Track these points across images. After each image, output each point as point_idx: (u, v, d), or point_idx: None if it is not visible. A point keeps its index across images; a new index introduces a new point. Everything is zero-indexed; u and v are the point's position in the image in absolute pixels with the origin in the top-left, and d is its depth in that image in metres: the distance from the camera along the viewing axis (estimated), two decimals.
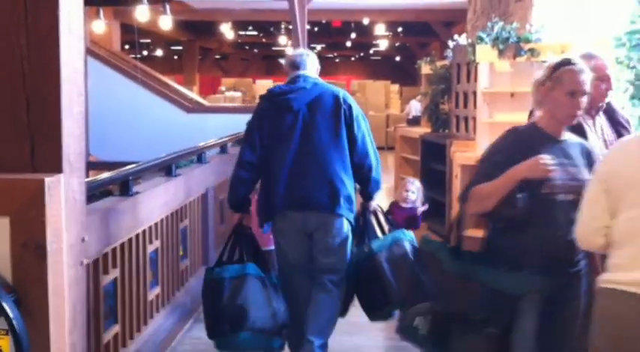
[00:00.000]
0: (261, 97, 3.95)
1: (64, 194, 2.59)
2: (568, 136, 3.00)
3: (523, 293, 2.89)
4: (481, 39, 5.94)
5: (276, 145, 3.73)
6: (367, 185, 3.88)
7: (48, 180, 2.47)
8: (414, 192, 5.16)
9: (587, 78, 2.90)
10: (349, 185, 3.76)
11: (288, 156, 3.69)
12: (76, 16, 2.82)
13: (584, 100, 2.89)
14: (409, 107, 16.60)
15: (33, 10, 2.66)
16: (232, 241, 3.79)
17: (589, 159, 2.99)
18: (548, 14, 6.50)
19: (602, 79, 3.62)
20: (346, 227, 3.76)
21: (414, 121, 11.73)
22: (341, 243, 3.76)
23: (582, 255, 2.94)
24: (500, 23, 5.85)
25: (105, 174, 3.72)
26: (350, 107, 3.76)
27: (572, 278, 2.96)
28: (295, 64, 3.88)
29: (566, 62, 2.93)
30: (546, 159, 2.78)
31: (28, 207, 2.47)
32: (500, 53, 5.77)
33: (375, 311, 3.89)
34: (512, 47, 5.71)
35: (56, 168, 2.62)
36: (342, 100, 3.76)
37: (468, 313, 2.90)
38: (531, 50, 5.63)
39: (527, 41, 5.68)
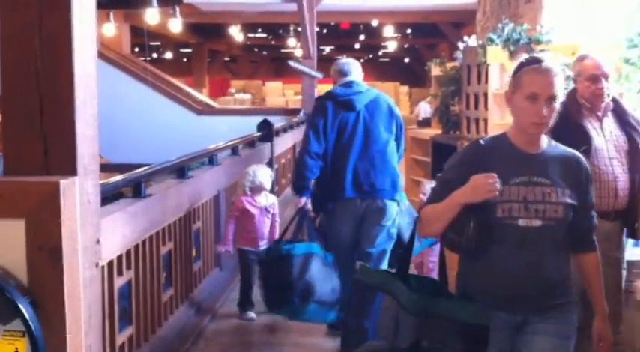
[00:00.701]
0: (323, 98, 4.51)
1: (78, 196, 2.60)
2: (547, 148, 2.52)
3: (485, 323, 2.42)
4: (491, 40, 5.92)
5: (342, 139, 4.28)
6: None
7: (63, 182, 2.49)
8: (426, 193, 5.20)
9: (554, 80, 2.42)
10: (400, 176, 4.43)
11: (354, 149, 4.26)
12: (88, 18, 2.83)
13: (554, 106, 2.43)
14: (418, 108, 16.63)
15: (46, 12, 2.68)
16: (297, 222, 4.30)
17: (576, 175, 2.52)
18: (559, 15, 6.47)
19: (590, 79, 3.53)
20: (397, 211, 4.35)
21: (424, 123, 11.72)
22: (392, 224, 4.32)
23: (561, 289, 2.50)
24: (511, 25, 5.82)
25: (118, 177, 3.73)
26: (399, 115, 4.49)
27: (547, 312, 2.47)
28: (344, 72, 4.50)
29: (530, 61, 2.51)
30: (490, 177, 2.33)
31: (43, 210, 2.48)
32: (511, 55, 5.74)
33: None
34: (523, 49, 5.67)
35: (70, 170, 2.63)
36: (393, 107, 4.48)
37: (434, 348, 2.51)
38: (542, 52, 5.60)
39: (538, 42, 5.65)
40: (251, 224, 4.93)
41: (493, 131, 6.09)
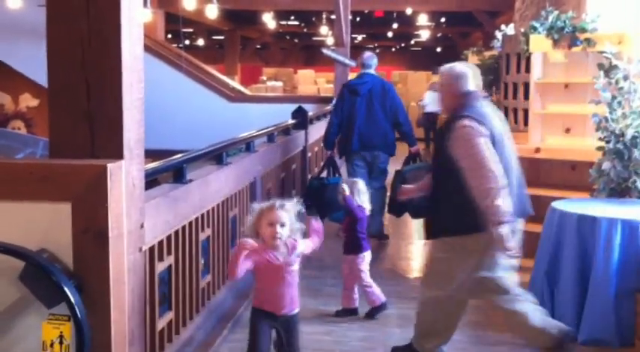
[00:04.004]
0: (342, 86, 7.09)
1: (124, 180, 2.58)
2: None
3: None
4: (535, 28, 5.80)
5: (352, 114, 6.66)
6: (406, 138, 6.91)
7: (110, 166, 2.47)
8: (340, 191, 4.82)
9: None
10: (392, 136, 6.80)
11: (359, 120, 6.64)
12: (136, 2, 2.81)
13: None
14: (426, 97, 15.35)
15: None
16: (329, 164, 7.01)
17: None
18: (603, 2, 6.34)
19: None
20: (388, 158, 6.85)
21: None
22: (385, 166, 6.83)
23: None
24: (555, 12, 5.69)
25: (158, 162, 3.70)
26: (392, 94, 6.78)
27: None
28: (365, 65, 6.85)
29: None
30: None
31: (89, 193, 2.47)
32: (555, 43, 5.62)
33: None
34: (568, 37, 5.55)
35: (117, 154, 2.61)
36: (386, 88, 6.81)
37: None
38: (587, 40, 5.47)
39: (584, 31, 5.52)
40: (266, 282, 3.37)
41: (534, 121, 5.99)
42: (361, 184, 4.93)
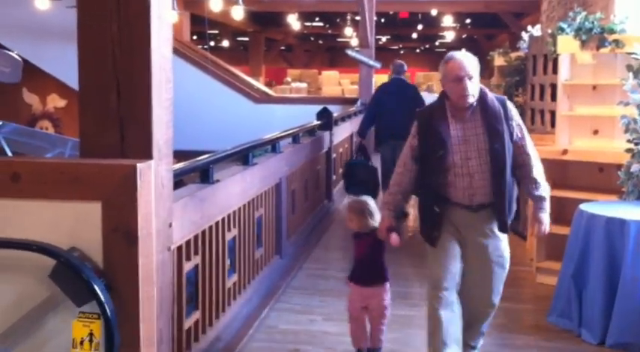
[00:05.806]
0: (379, 87, 8.71)
1: (153, 180, 2.60)
2: None
3: None
4: (562, 29, 5.75)
5: (383, 108, 7.90)
6: None
7: (140, 165, 2.49)
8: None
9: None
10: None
11: (388, 115, 7.77)
12: (165, 3, 2.83)
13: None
14: None
15: None
16: (360, 149, 8.12)
17: None
18: (631, 4, 6.26)
19: (455, 80, 3.45)
20: None
21: None
22: None
23: None
24: (583, 13, 5.64)
25: (184, 163, 3.72)
26: (413, 93, 8.09)
27: None
28: (395, 71, 8.20)
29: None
30: None
31: (119, 193, 2.49)
32: (583, 44, 5.57)
33: None
34: (596, 38, 5.49)
35: (146, 154, 2.64)
36: (411, 91, 8.15)
37: None
38: (616, 41, 5.42)
39: (612, 32, 5.46)
40: None
41: (561, 122, 5.94)
42: (372, 203, 3.91)
